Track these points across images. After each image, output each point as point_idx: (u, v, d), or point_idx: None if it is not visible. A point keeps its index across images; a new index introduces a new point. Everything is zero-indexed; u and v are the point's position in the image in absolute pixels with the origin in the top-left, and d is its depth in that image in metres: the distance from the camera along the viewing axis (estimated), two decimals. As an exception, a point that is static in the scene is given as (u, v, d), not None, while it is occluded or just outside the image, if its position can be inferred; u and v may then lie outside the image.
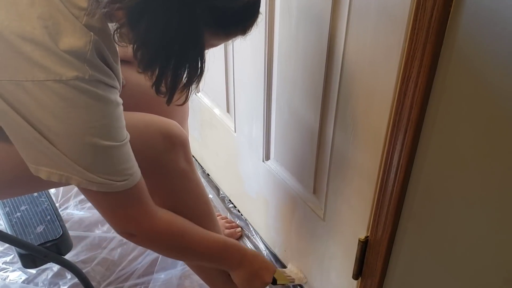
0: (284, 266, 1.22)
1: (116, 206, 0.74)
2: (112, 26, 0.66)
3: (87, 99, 0.63)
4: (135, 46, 0.62)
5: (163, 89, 0.66)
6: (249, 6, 0.65)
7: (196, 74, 0.66)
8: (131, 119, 0.74)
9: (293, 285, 1.16)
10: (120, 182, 0.70)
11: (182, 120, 1.10)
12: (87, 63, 0.61)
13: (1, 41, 0.59)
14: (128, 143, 0.71)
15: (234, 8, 0.63)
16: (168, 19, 0.59)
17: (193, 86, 0.68)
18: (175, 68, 0.64)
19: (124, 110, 0.71)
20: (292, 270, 1.16)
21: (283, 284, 1.07)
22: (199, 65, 0.65)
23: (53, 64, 0.59)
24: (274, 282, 1.03)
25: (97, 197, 0.72)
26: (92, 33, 0.62)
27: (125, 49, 0.95)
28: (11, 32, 0.59)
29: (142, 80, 0.66)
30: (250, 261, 0.95)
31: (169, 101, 0.67)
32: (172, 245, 0.84)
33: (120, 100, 0.69)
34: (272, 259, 1.25)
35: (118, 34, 0.64)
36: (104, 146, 0.66)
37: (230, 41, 0.71)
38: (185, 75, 0.66)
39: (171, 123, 0.88)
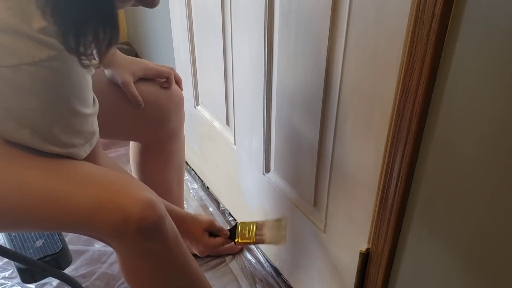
0: (284, 281, 1.21)
1: None
2: None
3: (62, 75, 0.63)
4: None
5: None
6: None
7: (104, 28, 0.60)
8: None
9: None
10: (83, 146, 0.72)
11: (178, 127, 1.11)
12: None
13: None
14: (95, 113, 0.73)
15: None
16: None
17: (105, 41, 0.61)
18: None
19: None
20: (271, 225, 0.99)
21: (247, 243, 0.96)
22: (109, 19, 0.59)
23: (26, 47, 0.59)
24: (233, 237, 0.95)
25: None
26: None
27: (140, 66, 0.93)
28: None
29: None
30: (182, 226, 0.91)
31: (79, 57, 0.61)
32: None
33: (91, 69, 0.69)
34: (273, 272, 1.24)
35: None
36: (80, 113, 0.67)
37: None
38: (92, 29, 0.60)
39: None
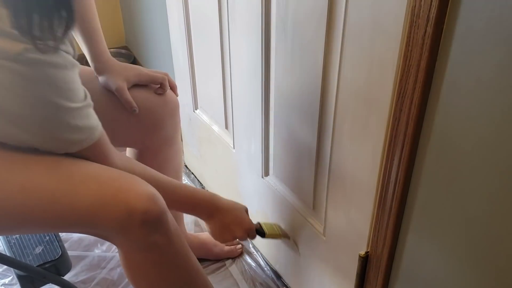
0: (284, 284, 1.21)
1: None
2: None
3: (40, 69, 0.62)
4: None
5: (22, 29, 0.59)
6: None
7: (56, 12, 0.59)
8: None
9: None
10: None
11: (173, 133, 1.10)
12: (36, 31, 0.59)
13: None
14: (90, 106, 0.71)
15: None
16: None
17: (60, 27, 0.61)
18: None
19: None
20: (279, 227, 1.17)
21: (272, 237, 1.12)
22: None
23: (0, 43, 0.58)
24: (263, 235, 1.07)
25: None
26: None
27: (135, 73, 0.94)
28: None
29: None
30: (222, 214, 0.97)
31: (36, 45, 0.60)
32: None
33: (75, 62, 0.67)
34: (273, 276, 1.24)
35: None
36: (65, 108, 0.65)
37: None
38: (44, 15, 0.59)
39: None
